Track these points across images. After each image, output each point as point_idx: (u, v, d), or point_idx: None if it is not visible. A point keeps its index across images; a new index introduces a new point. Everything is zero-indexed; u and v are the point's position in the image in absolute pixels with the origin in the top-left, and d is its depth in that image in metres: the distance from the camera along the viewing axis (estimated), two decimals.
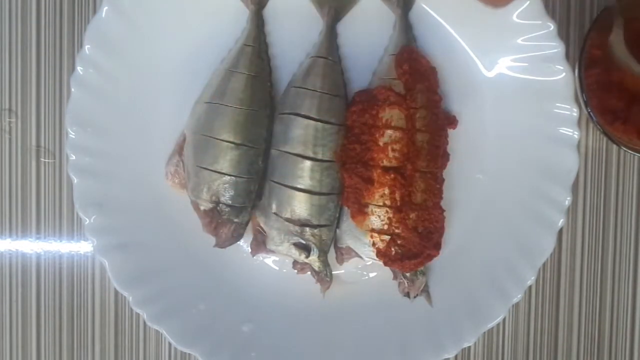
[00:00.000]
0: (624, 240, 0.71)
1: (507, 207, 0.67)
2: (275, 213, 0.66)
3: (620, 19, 0.58)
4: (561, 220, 0.65)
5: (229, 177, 0.65)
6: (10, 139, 0.71)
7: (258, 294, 0.69)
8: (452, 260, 0.67)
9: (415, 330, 0.67)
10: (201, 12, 0.67)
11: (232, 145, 0.65)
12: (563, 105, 0.65)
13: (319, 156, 0.65)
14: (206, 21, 0.67)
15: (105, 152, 0.67)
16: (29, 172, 0.71)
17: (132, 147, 0.67)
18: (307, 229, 0.65)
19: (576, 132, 0.65)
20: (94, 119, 0.66)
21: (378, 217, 0.65)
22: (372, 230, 0.65)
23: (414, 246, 0.65)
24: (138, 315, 0.70)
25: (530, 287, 0.67)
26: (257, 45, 0.67)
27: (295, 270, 0.67)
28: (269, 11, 0.68)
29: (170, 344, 0.68)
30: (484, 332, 0.66)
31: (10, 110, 0.71)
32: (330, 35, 0.67)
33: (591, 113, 0.62)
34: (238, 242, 0.67)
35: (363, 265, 0.69)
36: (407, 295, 0.67)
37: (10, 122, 0.71)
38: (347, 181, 0.65)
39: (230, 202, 0.65)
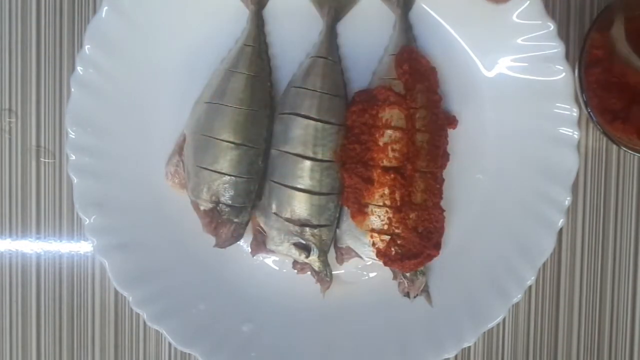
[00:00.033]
0: (624, 240, 0.71)
1: (507, 207, 0.67)
2: (275, 213, 0.66)
3: (622, 16, 0.58)
4: (561, 220, 0.65)
5: (229, 177, 0.65)
6: (10, 139, 0.71)
7: (258, 294, 0.69)
8: (452, 260, 0.67)
9: (415, 330, 0.67)
10: (201, 12, 0.67)
11: (232, 145, 0.65)
12: (563, 105, 0.65)
13: (319, 156, 0.65)
14: (206, 21, 0.67)
15: (105, 152, 0.67)
16: (29, 172, 0.71)
17: (132, 147, 0.67)
18: (307, 229, 0.65)
19: (576, 132, 0.65)
20: (94, 119, 0.66)
21: (378, 217, 0.65)
22: (372, 230, 0.65)
23: (414, 246, 0.65)
24: (138, 315, 0.70)
25: (530, 287, 0.67)
26: (257, 45, 0.67)
27: (295, 270, 0.67)
28: (269, 11, 0.68)
29: (170, 344, 0.68)
30: (484, 332, 0.66)
31: (10, 110, 0.71)
32: (330, 35, 0.67)
33: (591, 113, 0.62)
34: (238, 242, 0.67)
35: (363, 265, 0.69)
36: (407, 295, 0.67)
37: (10, 122, 0.71)
38: (347, 181, 0.65)
39: (230, 202, 0.65)
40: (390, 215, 0.64)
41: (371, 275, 0.69)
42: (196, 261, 0.69)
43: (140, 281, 0.66)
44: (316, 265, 0.66)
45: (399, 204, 0.64)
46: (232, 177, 0.65)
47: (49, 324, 0.72)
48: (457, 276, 0.68)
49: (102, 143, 0.67)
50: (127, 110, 0.67)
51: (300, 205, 0.65)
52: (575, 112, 0.65)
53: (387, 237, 0.65)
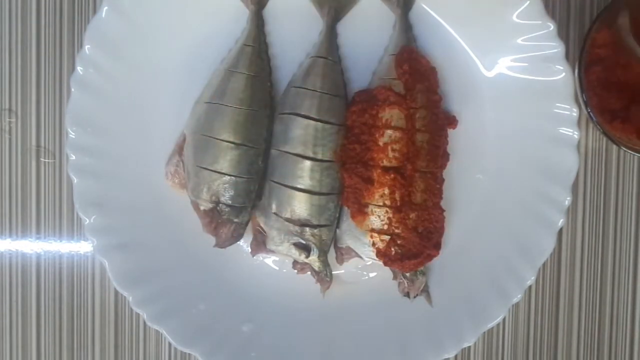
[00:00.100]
0: (624, 240, 0.71)
1: (507, 207, 0.67)
2: (275, 213, 0.66)
3: (627, 10, 0.59)
4: (561, 220, 0.65)
5: (229, 177, 0.65)
6: (10, 139, 0.71)
7: (258, 294, 0.69)
8: (452, 260, 0.67)
9: (415, 330, 0.67)
10: (201, 12, 0.67)
11: (232, 145, 0.65)
12: (563, 105, 0.65)
13: (319, 156, 0.65)
14: (206, 21, 0.67)
15: (105, 152, 0.67)
16: (29, 172, 0.71)
17: (132, 147, 0.67)
18: (307, 229, 0.65)
19: (576, 132, 0.65)
20: (94, 119, 0.66)
21: (378, 217, 0.65)
22: (372, 230, 0.65)
23: (414, 246, 0.65)
24: (138, 315, 0.70)
25: (530, 287, 0.67)
26: (257, 45, 0.67)
27: (295, 270, 0.67)
28: (269, 11, 0.68)
29: (170, 344, 0.68)
30: (484, 332, 0.66)
31: (10, 110, 0.71)
32: (330, 35, 0.67)
33: (591, 113, 0.62)
34: (238, 242, 0.67)
35: (363, 265, 0.69)
36: (407, 295, 0.67)
37: (10, 122, 0.71)
38: (347, 181, 0.65)
39: (230, 202, 0.65)
40: (390, 215, 0.64)
41: (371, 275, 0.69)
42: (196, 261, 0.69)
43: (140, 281, 0.66)
44: (316, 265, 0.66)
45: (399, 204, 0.64)
46: (232, 177, 0.65)
47: (49, 324, 0.72)
48: (457, 276, 0.68)
49: (102, 143, 0.66)
50: (127, 110, 0.67)
51: (300, 205, 0.65)
52: (575, 112, 0.65)
53: (387, 237, 0.65)
